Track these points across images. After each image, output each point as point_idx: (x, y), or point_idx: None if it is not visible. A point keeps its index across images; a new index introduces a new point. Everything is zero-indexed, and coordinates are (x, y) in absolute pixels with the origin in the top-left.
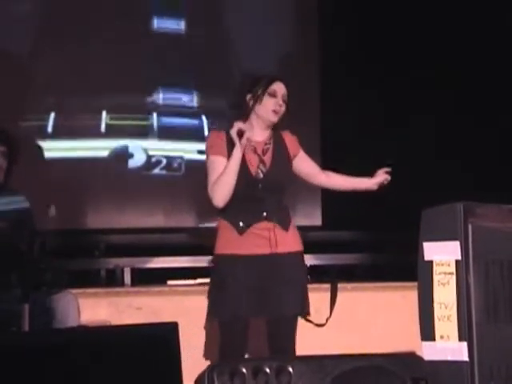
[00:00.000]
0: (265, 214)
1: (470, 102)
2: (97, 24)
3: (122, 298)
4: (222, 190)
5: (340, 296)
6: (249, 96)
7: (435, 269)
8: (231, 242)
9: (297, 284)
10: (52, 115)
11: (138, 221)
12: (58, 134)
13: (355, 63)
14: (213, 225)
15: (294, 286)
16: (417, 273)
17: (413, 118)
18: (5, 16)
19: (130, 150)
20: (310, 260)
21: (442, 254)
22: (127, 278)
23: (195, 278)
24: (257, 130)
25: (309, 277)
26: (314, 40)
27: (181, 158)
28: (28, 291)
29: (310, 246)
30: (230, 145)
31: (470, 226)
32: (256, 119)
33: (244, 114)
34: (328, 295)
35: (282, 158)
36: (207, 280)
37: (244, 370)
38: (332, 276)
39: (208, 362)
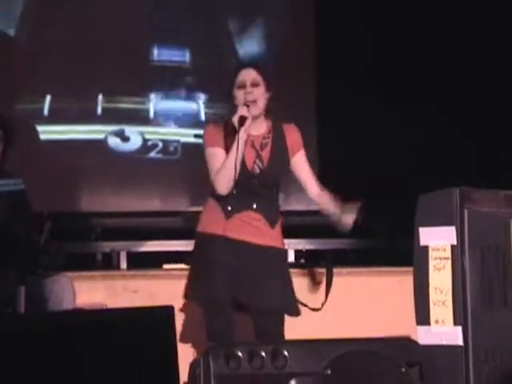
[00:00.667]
0: (255, 205)
1: (470, 102)
2: (96, 4)
3: (118, 281)
4: (225, 178)
5: (335, 281)
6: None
7: (431, 254)
8: (217, 223)
9: (281, 279)
10: (48, 98)
11: (134, 204)
12: (53, 117)
13: (354, 55)
14: None
15: (279, 280)
16: (412, 258)
17: (411, 105)
18: None
19: (126, 133)
20: (305, 244)
21: (438, 239)
22: (123, 262)
23: None
24: (253, 124)
25: (303, 260)
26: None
27: (177, 141)
28: (24, 274)
29: (305, 231)
30: (228, 137)
31: (465, 212)
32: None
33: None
34: (323, 280)
35: (280, 154)
36: None
37: (239, 354)
38: (328, 261)
39: (204, 346)
